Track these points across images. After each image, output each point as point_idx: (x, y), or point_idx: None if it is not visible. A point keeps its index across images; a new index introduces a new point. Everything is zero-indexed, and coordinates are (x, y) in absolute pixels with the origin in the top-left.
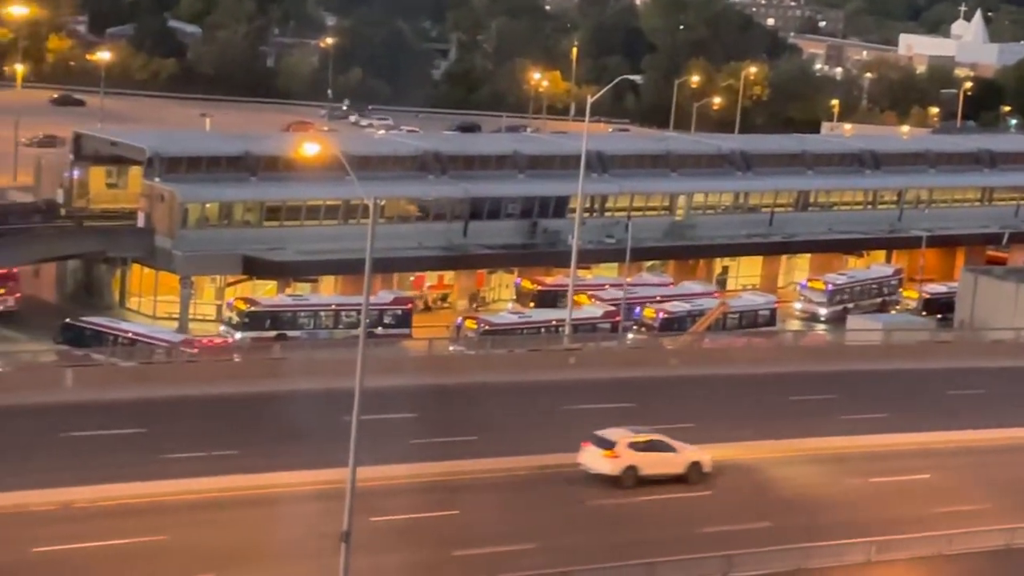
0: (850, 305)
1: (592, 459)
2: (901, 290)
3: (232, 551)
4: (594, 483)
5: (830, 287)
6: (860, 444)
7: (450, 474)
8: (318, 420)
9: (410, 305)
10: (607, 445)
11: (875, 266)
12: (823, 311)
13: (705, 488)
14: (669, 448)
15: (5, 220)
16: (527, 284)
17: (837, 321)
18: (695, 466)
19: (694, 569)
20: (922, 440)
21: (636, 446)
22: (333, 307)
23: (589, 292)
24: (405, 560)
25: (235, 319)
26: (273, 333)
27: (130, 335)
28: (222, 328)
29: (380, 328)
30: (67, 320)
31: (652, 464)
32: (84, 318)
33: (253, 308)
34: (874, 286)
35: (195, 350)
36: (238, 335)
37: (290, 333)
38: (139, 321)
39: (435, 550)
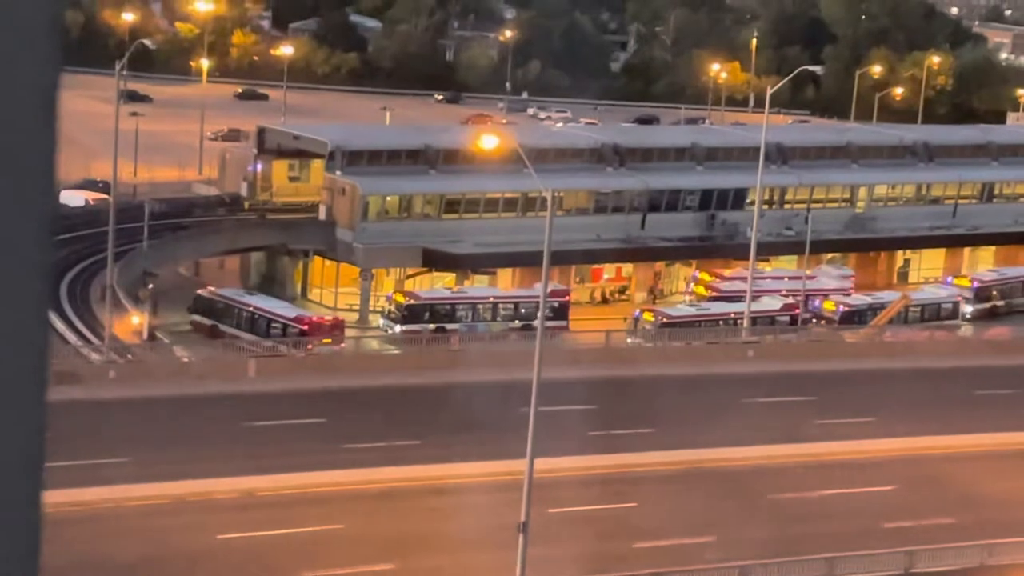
0: (1000, 303)
1: None
2: None
3: (409, 541)
4: (773, 476)
5: (976, 284)
6: None
7: (628, 466)
8: (497, 411)
9: (567, 297)
10: None
11: None
12: (968, 308)
13: (887, 483)
14: None
15: (190, 213)
16: (699, 289)
17: (985, 319)
18: None
19: (874, 564)
20: None
21: None
22: (491, 299)
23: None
24: (583, 551)
25: (394, 312)
26: (432, 326)
27: (251, 308)
28: (381, 321)
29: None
30: (199, 292)
31: None
32: (213, 290)
33: (412, 301)
34: None
35: (305, 326)
36: (398, 328)
37: (448, 326)
38: (263, 296)
39: (614, 542)
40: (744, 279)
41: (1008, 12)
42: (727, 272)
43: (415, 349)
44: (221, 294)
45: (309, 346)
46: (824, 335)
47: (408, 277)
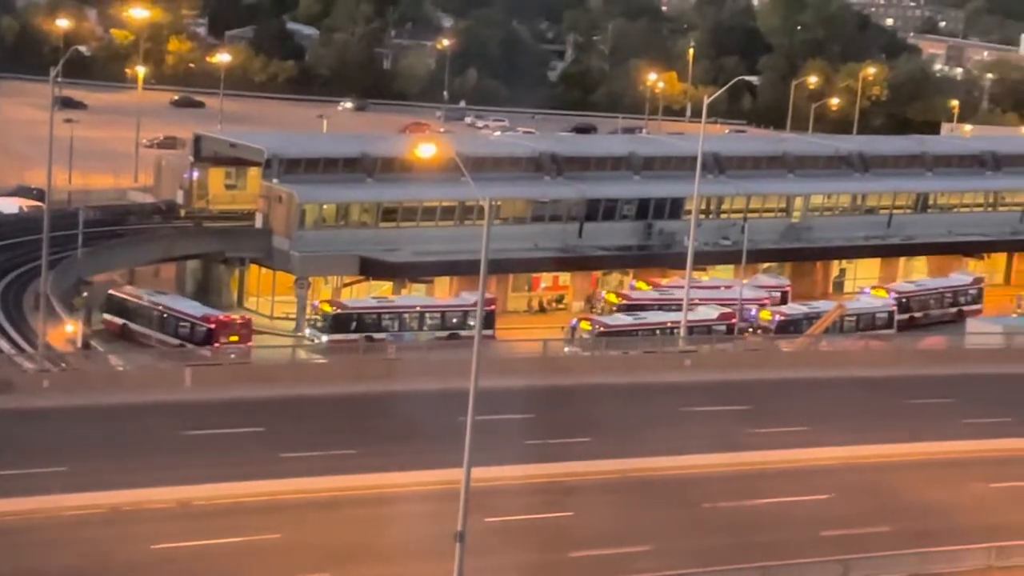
0: (918, 314)
1: None
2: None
3: (346, 550)
4: (710, 485)
5: (893, 295)
6: (982, 448)
7: (565, 475)
8: (434, 421)
9: (494, 307)
10: None
11: (955, 274)
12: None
13: (823, 492)
14: None
15: (126, 221)
16: (611, 297)
17: (904, 330)
18: None
19: (810, 573)
20: None
21: None
22: (418, 309)
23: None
24: (520, 561)
25: (320, 322)
26: (358, 335)
27: (161, 307)
28: (308, 331)
29: (464, 330)
30: (110, 291)
31: None
32: (124, 290)
33: (338, 311)
34: (948, 295)
35: (212, 325)
36: (324, 337)
37: (375, 335)
38: (172, 295)
39: (550, 551)
40: (665, 287)
41: (942, 24)
42: (664, 281)
43: (351, 358)
44: (131, 293)
45: (216, 344)
46: (760, 344)
47: (345, 285)
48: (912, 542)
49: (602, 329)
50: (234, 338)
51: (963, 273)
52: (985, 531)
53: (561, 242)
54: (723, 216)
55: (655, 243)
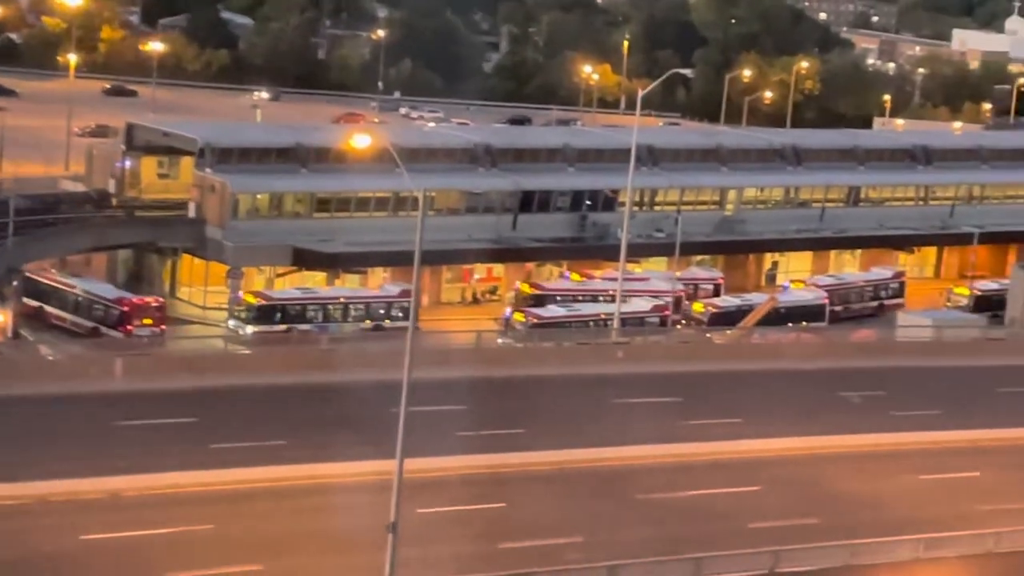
0: (838, 308)
1: None
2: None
3: (279, 542)
4: (642, 476)
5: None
6: (910, 441)
7: (498, 466)
8: (367, 411)
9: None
10: None
11: (876, 268)
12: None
13: (754, 484)
14: None
15: (57, 209)
16: (524, 288)
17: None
18: None
19: (741, 564)
20: (972, 438)
21: None
22: (342, 300)
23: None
24: (452, 552)
25: (244, 313)
26: (283, 327)
27: (76, 290)
28: (231, 322)
29: (388, 321)
30: (26, 274)
31: None
32: (40, 273)
33: (263, 302)
34: (868, 289)
35: (125, 307)
36: (249, 329)
37: (299, 326)
38: (86, 278)
39: (482, 542)
40: (583, 279)
41: (875, 19)
42: (597, 273)
43: (285, 349)
44: (47, 276)
45: (129, 327)
46: (693, 336)
47: (279, 276)
48: (841, 534)
49: (535, 321)
50: (147, 321)
51: (884, 267)
52: (913, 523)
53: (495, 233)
54: (657, 208)
55: (589, 235)
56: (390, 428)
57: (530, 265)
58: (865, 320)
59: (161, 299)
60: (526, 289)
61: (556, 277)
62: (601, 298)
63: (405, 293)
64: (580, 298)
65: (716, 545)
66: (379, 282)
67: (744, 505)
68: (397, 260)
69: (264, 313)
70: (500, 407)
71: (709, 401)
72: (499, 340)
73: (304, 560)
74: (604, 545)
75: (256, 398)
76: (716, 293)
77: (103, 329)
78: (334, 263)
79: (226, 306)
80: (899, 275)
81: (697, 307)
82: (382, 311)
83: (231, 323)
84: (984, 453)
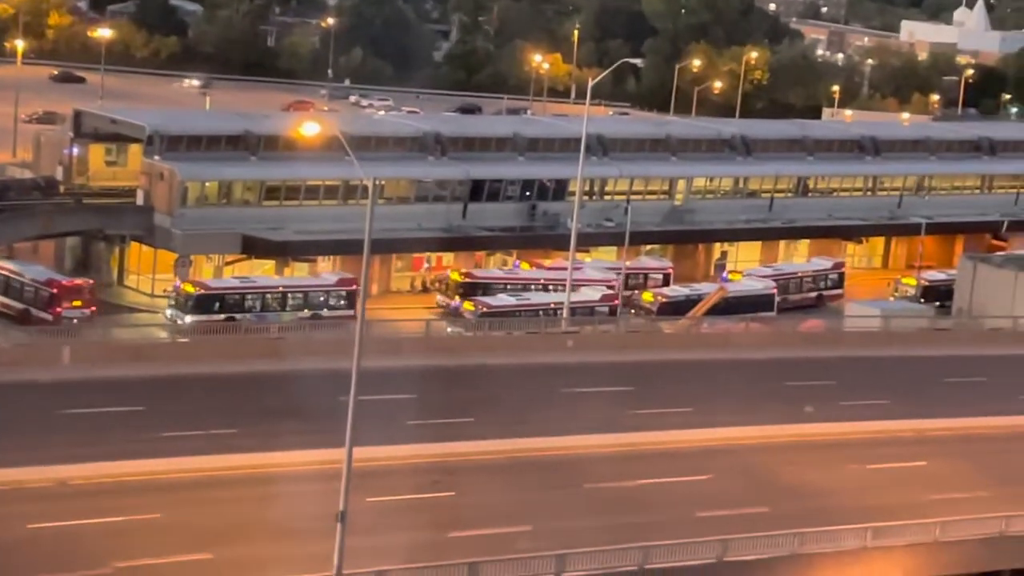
0: (777, 299)
1: None
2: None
3: (227, 530)
4: (591, 465)
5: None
6: (858, 430)
7: (447, 455)
8: (316, 400)
9: (355, 286)
10: None
11: (815, 259)
12: None
13: (703, 473)
14: None
15: (4, 196)
16: (455, 276)
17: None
18: None
19: (689, 553)
20: (920, 427)
21: None
22: (280, 289)
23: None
24: (402, 541)
25: (182, 302)
26: (222, 316)
27: (6, 271)
28: (169, 311)
29: (327, 310)
30: None
31: None
32: None
33: (201, 291)
34: (807, 280)
35: (55, 289)
36: (188, 318)
37: (238, 316)
38: (17, 261)
39: (431, 531)
40: (511, 268)
41: (824, 9)
42: (547, 262)
43: (233, 338)
44: None
45: (59, 309)
46: (642, 326)
47: (227, 264)
48: (790, 523)
49: (485, 309)
50: (77, 303)
51: (824, 258)
52: (861, 512)
53: (445, 222)
54: (607, 198)
55: (539, 224)
56: (339, 417)
57: (480, 254)
58: (804, 311)
59: (91, 281)
60: (456, 277)
61: (507, 265)
62: (534, 287)
63: (343, 281)
64: (510, 287)
65: (665, 534)
66: (320, 270)
67: (693, 494)
68: (347, 248)
69: (202, 302)
70: (450, 396)
71: (659, 390)
72: (449, 329)
73: (253, 549)
74: (553, 534)
75: (204, 387)
76: (665, 283)
77: (33, 311)
78: (283, 251)
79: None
80: (839, 266)
81: (647, 297)
82: (321, 300)
83: (169, 312)
84: (931, 442)
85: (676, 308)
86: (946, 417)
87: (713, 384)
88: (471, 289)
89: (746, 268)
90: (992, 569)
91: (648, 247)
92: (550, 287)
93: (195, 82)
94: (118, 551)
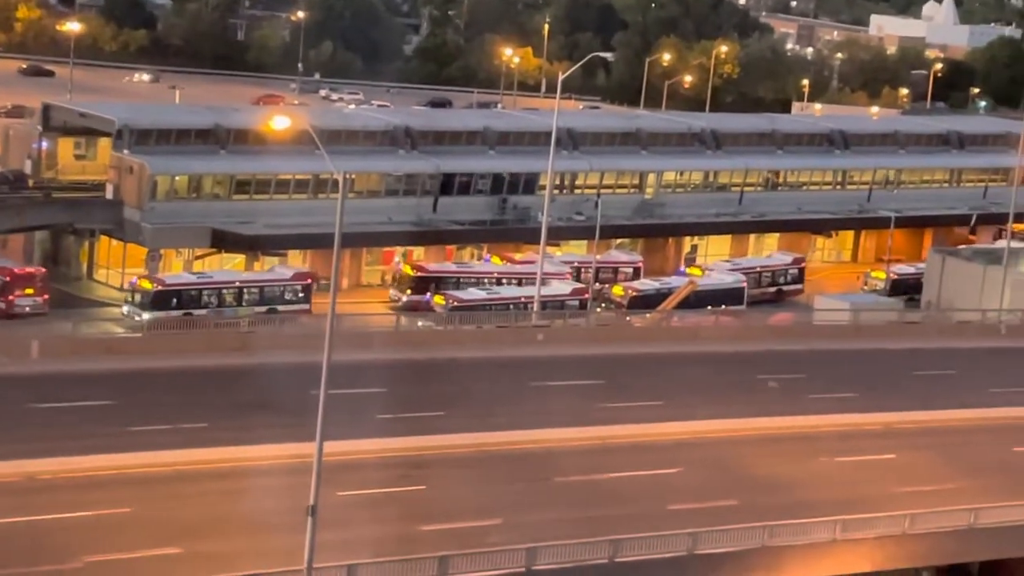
0: None
1: None
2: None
3: (197, 524)
4: (562, 459)
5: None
6: (827, 423)
7: (418, 449)
8: (287, 394)
9: (310, 280)
10: None
11: (776, 254)
12: None
13: (673, 466)
14: None
15: None
16: (407, 269)
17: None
18: None
19: (659, 546)
20: (888, 420)
21: None
22: (237, 284)
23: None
24: (372, 534)
25: (139, 299)
26: (180, 312)
27: None
28: (126, 308)
29: (282, 305)
30: None
31: None
32: None
33: (159, 287)
34: (767, 275)
35: (7, 277)
36: (145, 315)
37: (196, 312)
38: None
39: (402, 525)
40: (464, 262)
41: (794, 3)
42: (518, 256)
43: (204, 332)
44: None
45: (11, 297)
46: (612, 319)
47: (197, 258)
48: (760, 515)
49: (456, 303)
50: (29, 291)
51: (784, 252)
52: (831, 505)
53: (416, 216)
54: (577, 192)
55: (509, 218)
56: (311, 411)
57: (451, 248)
58: (763, 306)
59: (44, 269)
60: (408, 271)
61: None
62: (486, 280)
63: (299, 276)
64: (463, 280)
65: (635, 527)
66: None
67: (663, 487)
68: (317, 242)
69: (160, 299)
70: (420, 389)
71: (629, 384)
72: (419, 323)
73: (223, 543)
74: (523, 527)
75: (175, 380)
76: (636, 276)
77: None
78: (253, 245)
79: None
80: (799, 260)
81: (617, 290)
82: (277, 294)
83: (126, 309)
84: (899, 435)
85: (646, 301)
86: (915, 410)
87: (683, 377)
88: (422, 283)
89: (703, 263)
90: (961, 561)
91: (618, 241)
92: (504, 281)
93: (145, 76)
94: (88, 546)
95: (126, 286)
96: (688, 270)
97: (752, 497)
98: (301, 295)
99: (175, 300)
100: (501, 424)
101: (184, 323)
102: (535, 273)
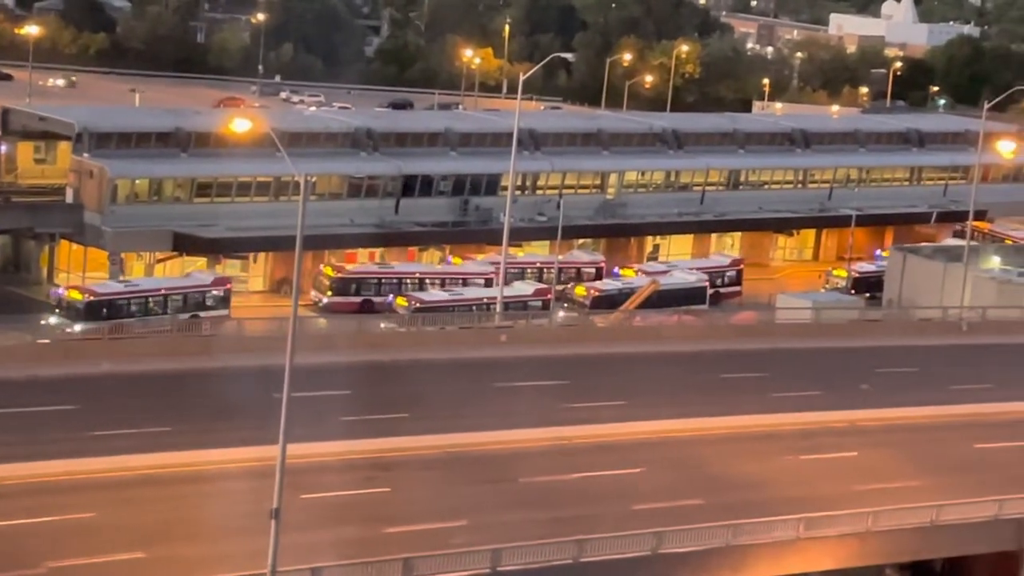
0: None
1: None
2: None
3: (161, 529)
4: (526, 460)
5: (642, 275)
6: (790, 422)
7: (382, 451)
8: (250, 397)
9: (229, 286)
10: None
11: (714, 255)
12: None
13: (638, 465)
14: None
15: None
16: (328, 271)
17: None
18: None
19: (624, 546)
20: (851, 418)
21: None
22: (162, 291)
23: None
24: (336, 537)
25: (70, 309)
26: (110, 322)
27: None
28: (53, 319)
29: (203, 311)
30: None
31: None
32: None
33: (91, 298)
34: (705, 276)
35: None
36: (77, 327)
37: (125, 321)
38: None
39: (367, 527)
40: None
41: (754, 3)
42: (480, 256)
43: (167, 336)
44: None
45: None
46: (576, 320)
47: (159, 261)
48: (724, 514)
49: (419, 305)
50: None
51: (722, 254)
52: (794, 502)
53: (378, 218)
54: (539, 192)
55: (471, 219)
56: (274, 414)
57: (413, 250)
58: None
59: None
60: (329, 272)
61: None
62: (409, 282)
63: (218, 281)
64: (384, 281)
65: (600, 527)
66: (260, 267)
67: (628, 487)
68: (279, 245)
69: (92, 309)
70: (383, 391)
71: (593, 384)
72: (382, 325)
73: (187, 547)
74: (488, 528)
75: (138, 385)
76: (598, 276)
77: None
78: (215, 248)
79: None
80: (737, 263)
81: (580, 290)
82: (198, 300)
83: (53, 320)
84: (861, 433)
85: (609, 301)
86: (877, 407)
87: (647, 377)
88: (343, 284)
89: (638, 265)
90: (924, 558)
91: (581, 241)
92: (428, 282)
93: (59, 81)
94: (51, 551)
95: (51, 297)
96: (621, 271)
97: (716, 496)
98: (221, 300)
99: (105, 310)
100: (466, 425)
101: (144, 327)
102: (460, 274)
